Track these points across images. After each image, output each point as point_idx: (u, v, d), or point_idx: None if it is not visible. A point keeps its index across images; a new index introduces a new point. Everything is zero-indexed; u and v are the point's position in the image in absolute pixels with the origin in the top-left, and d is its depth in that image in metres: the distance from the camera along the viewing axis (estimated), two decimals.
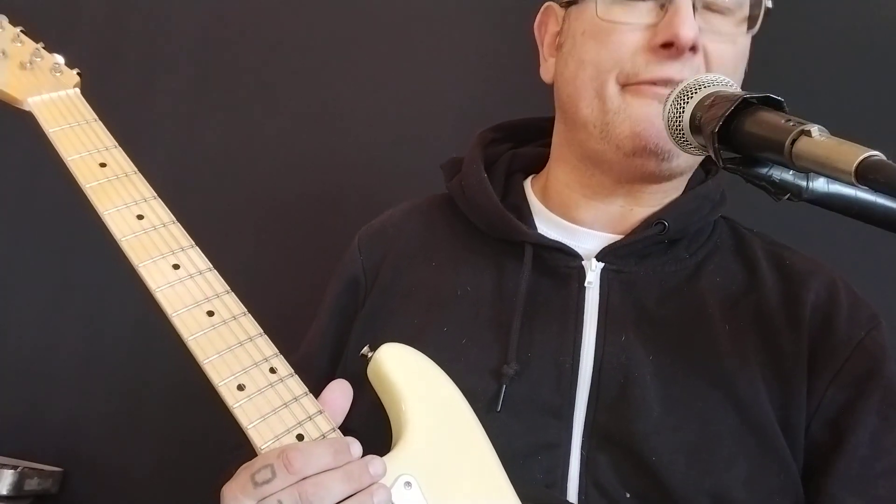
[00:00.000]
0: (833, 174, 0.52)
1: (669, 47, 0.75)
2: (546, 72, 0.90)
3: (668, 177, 0.82)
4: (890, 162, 0.50)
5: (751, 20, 0.80)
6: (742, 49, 0.80)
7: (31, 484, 1.25)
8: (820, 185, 0.60)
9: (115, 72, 1.43)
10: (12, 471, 1.22)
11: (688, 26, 0.73)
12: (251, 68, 1.41)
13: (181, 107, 1.42)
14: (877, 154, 0.50)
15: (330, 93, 1.38)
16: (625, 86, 0.78)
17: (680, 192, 0.86)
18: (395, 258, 0.89)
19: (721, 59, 0.77)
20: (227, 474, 0.63)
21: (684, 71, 0.75)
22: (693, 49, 0.74)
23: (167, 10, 1.43)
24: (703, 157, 0.81)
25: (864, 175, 0.50)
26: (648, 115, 0.76)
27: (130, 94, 1.43)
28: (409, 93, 1.35)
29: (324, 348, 0.89)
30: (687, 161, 0.81)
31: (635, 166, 0.80)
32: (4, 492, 1.20)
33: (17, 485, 1.22)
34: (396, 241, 0.91)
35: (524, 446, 0.74)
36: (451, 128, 1.30)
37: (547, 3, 0.90)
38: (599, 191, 0.84)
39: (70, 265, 1.40)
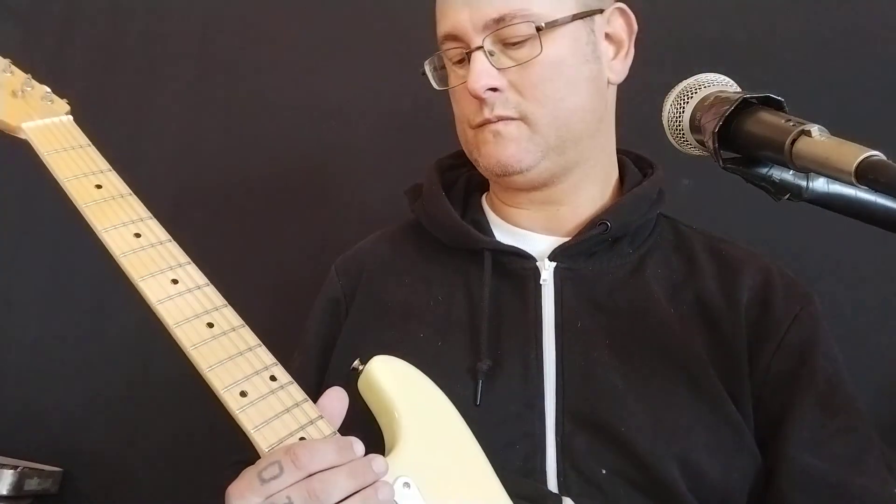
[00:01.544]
0: (833, 174, 0.53)
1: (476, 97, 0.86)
2: None
3: (547, 181, 0.89)
4: (890, 162, 0.50)
5: (547, 37, 0.84)
6: (548, 59, 0.85)
7: (31, 484, 1.25)
8: (820, 185, 0.60)
9: (114, 74, 1.44)
10: (12, 471, 1.22)
11: (472, 79, 0.84)
12: (249, 71, 1.41)
13: (178, 110, 1.42)
14: (877, 154, 0.51)
15: (325, 98, 1.38)
16: (473, 128, 0.89)
17: (599, 187, 0.93)
18: (368, 281, 0.96)
19: (524, 84, 0.85)
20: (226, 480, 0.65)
21: (496, 109, 0.85)
22: (494, 90, 0.85)
23: (165, 11, 1.44)
24: (586, 152, 0.90)
25: (864, 175, 0.50)
26: (489, 153, 0.88)
27: (127, 96, 1.43)
28: (407, 94, 1.35)
29: (310, 366, 0.93)
30: (557, 163, 0.88)
31: (507, 183, 0.91)
32: (4, 492, 1.20)
33: (17, 485, 1.22)
34: (369, 265, 0.98)
35: (502, 437, 0.79)
36: (451, 130, 1.30)
37: None
38: (514, 200, 0.93)
39: (71, 265, 1.40)
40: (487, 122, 0.86)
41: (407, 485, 0.68)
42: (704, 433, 0.79)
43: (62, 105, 0.85)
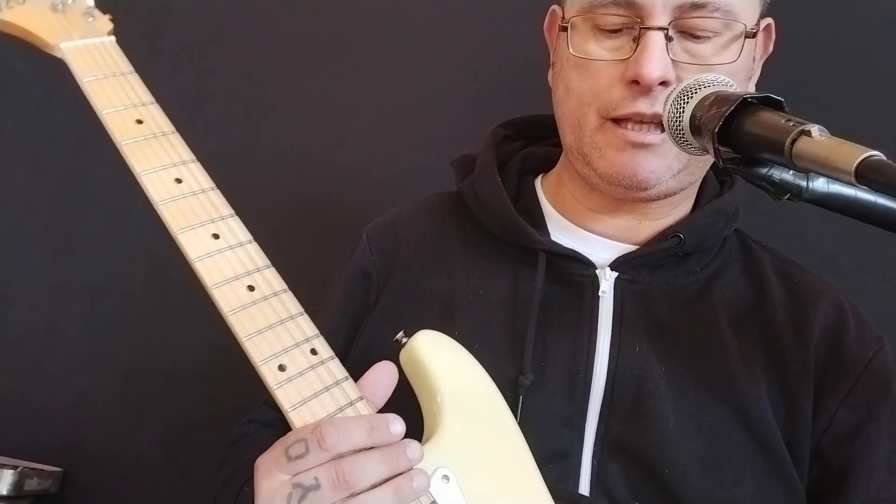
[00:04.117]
0: (833, 174, 0.52)
1: (638, 84, 0.73)
2: (550, 79, 0.88)
3: (663, 197, 0.81)
4: (890, 162, 0.50)
5: (735, 43, 0.76)
6: (731, 71, 0.74)
7: (31, 484, 1.25)
8: (820, 185, 0.60)
9: None
10: (12, 471, 1.22)
11: (652, 64, 0.72)
12: (252, 70, 1.41)
13: (178, 111, 1.42)
14: (877, 154, 0.50)
15: (328, 95, 1.38)
16: (605, 118, 0.77)
17: (689, 202, 0.86)
18: (406, 262, 0.87)
19: None
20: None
21: (655, 105, 0.73)
22: (664, 83, 0.73)
23: (166, 11, 1.44)
24: (701, 172, 0.83)
25: (864, 175, 0.50)
26: (622, 163, 0.76)
27: None
28: (410, 93, 1.35)
29: (335, 338, 0.85)
30: (679, 182, 0.80)
31: (619, 193, 0.80)
32: (4, 492, 1.20)
33: (17, 485, 1.22)
34: (407, 245, 0.88)
35: (536, 455, 0.73)
36: (452, 129, 1.31)
37: (552, 7, 0.87)
38: (603, 207, 0.84)
39: (70, 264, 1.40)
40: (633, 116, 0.74)
41: (446, 478, 0.63)
42: (754, 483, 0.73)
43: (104, 22, 0.76)
